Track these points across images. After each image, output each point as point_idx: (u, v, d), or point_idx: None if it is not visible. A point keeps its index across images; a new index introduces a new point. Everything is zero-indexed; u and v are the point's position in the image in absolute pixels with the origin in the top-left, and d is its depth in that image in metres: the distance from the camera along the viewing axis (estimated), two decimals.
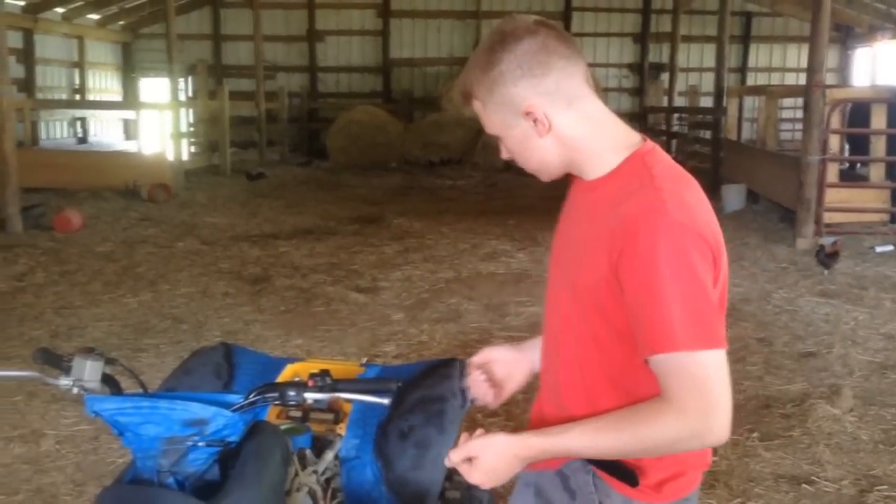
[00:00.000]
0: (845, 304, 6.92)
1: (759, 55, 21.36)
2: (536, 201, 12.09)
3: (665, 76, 19.84)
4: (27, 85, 16.38)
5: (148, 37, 20.64)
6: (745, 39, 21.06)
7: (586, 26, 20.91)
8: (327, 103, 20.71)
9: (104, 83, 20.11)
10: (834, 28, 17.39)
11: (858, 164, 12.07)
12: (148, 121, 17.40)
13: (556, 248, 1.71)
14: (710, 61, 17.30)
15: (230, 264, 8.34)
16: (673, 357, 1.41)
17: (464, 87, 1.60)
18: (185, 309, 6.73)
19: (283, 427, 2.14)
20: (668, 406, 1.43)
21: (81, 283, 7.50)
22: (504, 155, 1.66)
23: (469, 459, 1.57)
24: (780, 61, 21.36)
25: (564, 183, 1.75)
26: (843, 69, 20.92)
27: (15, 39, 16.05)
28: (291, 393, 1.77)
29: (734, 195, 11.71)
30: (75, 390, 1.80)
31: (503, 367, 1.88)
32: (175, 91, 15.24)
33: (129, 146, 17.75)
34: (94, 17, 19.04)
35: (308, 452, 2.14)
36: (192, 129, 18.19)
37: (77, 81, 18.73)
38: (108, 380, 1.84)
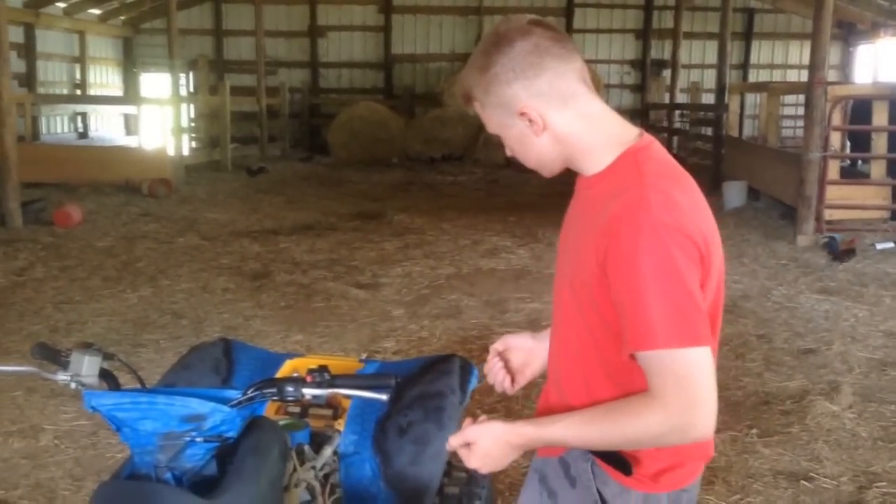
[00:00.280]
0: (845, 300, 6.92)
1: (761, 52, 21.31)
2: (537, 198, 12.09)
3: (667, 73, 19.81)
4: (28, 80, 16.36)
5: (149, 32, 20.60)
6: (747, 36, 21.01)
7: (588, 22, 20.87)
8: (329, 99, 20.69)
9: (105, 78, 20.09)
10: (836, 25, 17.36)
11: (860, 162, 12.05)
12: (149, 116, 17.39)
13: (560, 244, 1.75)
14: (711, 58, 17.27)
15: (230, 260, 8.34)
16: (655, 354, 1.45)
17: (463, 88, 1.65)
18: (185, 304, 6.73)
19: (281, 423, 2.14)
20: (652, 401, 1.47)
21: (81, 279, 7.50)
22: (507, 152, 1.71)
23: (467, 444, 1.63)
24: (782, 58, 21.32)
25: (566, 179, 1.77)
26: (845, 66, 20.89)
27: (16, 34, 16.02)
28: (289, 389, 1.77)
29: (735, 192, 11.70)
30: (73, 385, 1.80)
31: (521, 354, 1.92)
32: (176, 86, 15.23)
33: (130, 141, 17.73)
34: (96, 12, 19.01)
35: (306, 448, 2.15)
36: (192, 124, 18.18)
37: (78, 76, 18.71)
38: (105, 375, 1.84)
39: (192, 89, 20.24)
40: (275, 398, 1.78)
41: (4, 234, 9.27)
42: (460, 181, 15.29)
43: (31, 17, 16.14)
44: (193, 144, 18.14)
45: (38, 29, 16.61)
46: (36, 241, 8.99)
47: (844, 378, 5.17)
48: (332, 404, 2.42)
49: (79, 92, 18.52)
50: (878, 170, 10.14)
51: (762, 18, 21.09)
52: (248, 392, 1.75)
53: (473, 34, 20.37)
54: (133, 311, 6.52)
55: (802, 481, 3.87)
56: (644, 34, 20.90)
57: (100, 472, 3.85)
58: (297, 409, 2.37)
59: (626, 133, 1.63)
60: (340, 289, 7.18)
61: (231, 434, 1.69)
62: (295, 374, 1.82)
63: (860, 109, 10.57)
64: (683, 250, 1.46)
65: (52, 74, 17.77)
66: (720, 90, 13.92)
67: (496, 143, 1.91)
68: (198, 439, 1.65)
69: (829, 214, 9.31)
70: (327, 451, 2.23)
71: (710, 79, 17.48)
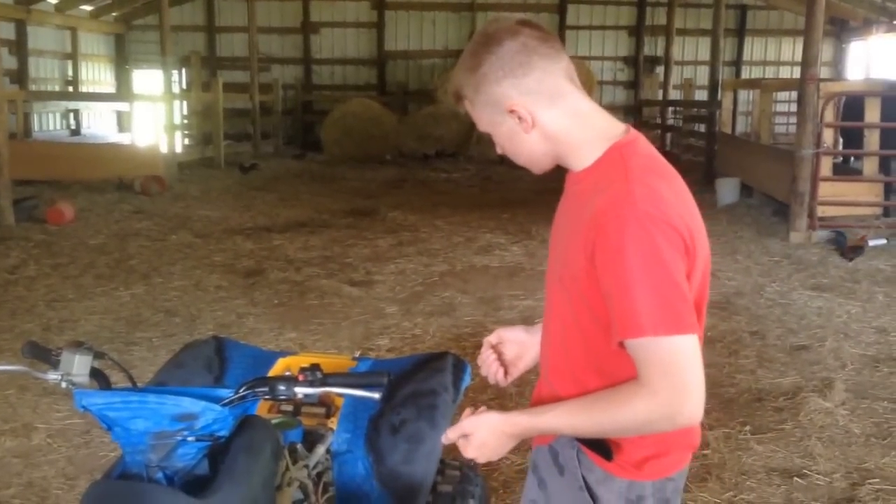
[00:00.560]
0: (838, 297, 6.94)
1: (753, 48, 21.34)
2: (531, 194, 12.09)
3: (660, 69, 19.81)
4: (20, 76, 16.27)
5: (141, 28, 20.53)
6: (740, 33, 21.03)
7: (581, 19, 20.86)
8: (322, 95, 20.64)
9: (97, 75, 20.01)
10: (828, 21, 17.36)
11: (852, 158, 12.08)
12: (141, 113, 17.31)
13: (552, 240, 1.78)
14: (704, 54, 17.29)
15: (223, 257, 8.32)
16: (642, 342, 1.48)
17: (454, 87, 1.69)
18: (178, 302, 6.71)
19: (273, 421, 2.13)
20: (641, 389, 1.50)
21: (74, 276, 7.47)
22: (498, 150, 1.74)
23: (464, 435, 1.68)
24: (774, 55, 21.36)
25: (559, 176, 1.79)
26: (837, 63, 20.92)
27: (7, 30, 15.97)
28: (281, 387, 1.76)
29: (728, 189, 11.72)
30: (63, 384, 1.79)
31: (514, 347, 1.96)
32: (169, 83, 15.16)
33: (123, 138, 17.65)
34: (87, 8, 18.92)
35: (299, 447, 2.14)
36: (185, 121, 18.11)
37: (70, 73, 18.62)
38: (96, 374, 1.83)
39: (184, 86, 20.17)
40: (266, 397, 1.77)
41: None
42: (454, 178, 15.28)
43: (23, 14, 16.06)
44: (186, 141, 18.08)
45: (30, 25, 16.52)
46: (28, 238, 8.95)
47: (837, 374, 5.18)
48: (325, 402, 2.42)
49: (71, 89, 18.44)
50: (870, 166, 10.16)
51: (755, 15, 21.11)
52: (240, 391, 1.74)
53: (466, 30, 20.34)
54: (126, 309, 6.50)
55: (796, 478, 3.88)
56: (637, 31, 20.90)
57: (93, 470, 3.84)
58: (289, 408, 2.36)
59: (612, 129, 1.66)
60: (334, 286, 7.17)
61: (223, 433, 1.68)
62: (287, 373, 1.82)
63: (853, 106, 10.58)
64: (669, 241, 1.49)
65: (44, 71, 17.68)
66: (713, 87, 13.95)
67: (489, 140, 1.96)
68: (189, 438, 1.64)
69: (821, 211, 9.33)
70: (320, 450, 2.22)
71: (703, 75, 17.50)
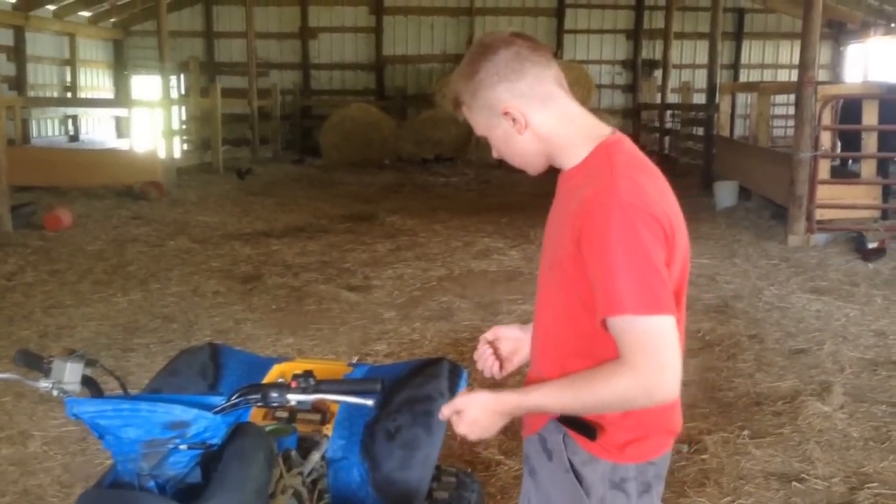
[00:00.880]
0: (836, 300, 6.93)
1: (751, 52, 21.38)
2: (529, 199, 12.08)
3: (658, 73, 19.84)
4: (18, 83, 16.30)
5: (140, 34, 20.56)
6: (738, 36, 21.06)
7: (580, 23, 20.90)
8: (320, 100, 20.66)
9: (96, 81, 20.03)
10: (826, 24, 17.43)
11: (850, 161, 12.08)
12: (140, 118, 17.33)
13: (545, 234, 1.91)
14: (702, 58, 17.33)
15: (221, 263, 8.31)
16: (622, 320, 1.60)
17: (453, 94, 1.84)
18: (176, 308, 6.70)
19: (268, 428, 2.12)
20: (621, 366, 1.61)
21: (71, 283, 7.46)
22: (495, 154, 1.89)
23: (457, 412, 1.77)
24: (772, 58, 21.38)
25: (555, 180, 1.87)
26: (835, 65, 20.95)
27: (6, 37, 16.00)
28: (274, 394, 1.76)
29: (726, 192, 11.71)
30: (55, 392, 1.78)
31: (510, 343, 2.07)
32: (167, 88, 15.19)
33: (121, 144, 17.68)
34: (86, 14, 18.96)
35: (294, 453, 2.13)
36: (184, 126, 18.12)
37: (68, 79, 18.65)
38: (88, 382, 1.82)
39: (183, 91, 20.19)
40: (259, 404, 1.76)
41: None
42: (452, 182, 15.27)
43: (21, 20, 16.09)
44: (185, 147, 18.10)
45: (28, 31, 16.55)
46: (26, 245, 8.94)
47: (836, 378, 5.17)
48: (321, 409, 2.41)
49: (69, 95, 18.46)
50: (868, 169, 10.16)
51: (752, 18, 21.15)
52: (233, 398, 1.74)
53: (465, 35, 20.38)
54: (123, 315, 6.49)
55: (794, 483, 3.86)
56: (635, 34, 20.93)
57: (88, 478, 3.82)
58: (284, 414, 2.36)
59: (599, 129, 1.80)
60: (332, 291, 7.16)
61: (215, 441, 1.67)
62: (280, 380, 1.81)
63: (850, 109, 10.59)
64: (649, 229, 1.62)
65: (43, 77, 17.71)
66: (711, 90, 13.95)
67: (487, 145, 2.04)
68: (181, 446, 1.63)
69: (819, 214, 9.33)
70: (315, 457, 2.21)
71: (701, 79, 17.50)
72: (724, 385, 5.08)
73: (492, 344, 2.07)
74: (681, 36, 19.59)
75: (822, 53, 15.17)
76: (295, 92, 20.44)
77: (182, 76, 20.29)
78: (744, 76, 20.97)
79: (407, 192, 13.94)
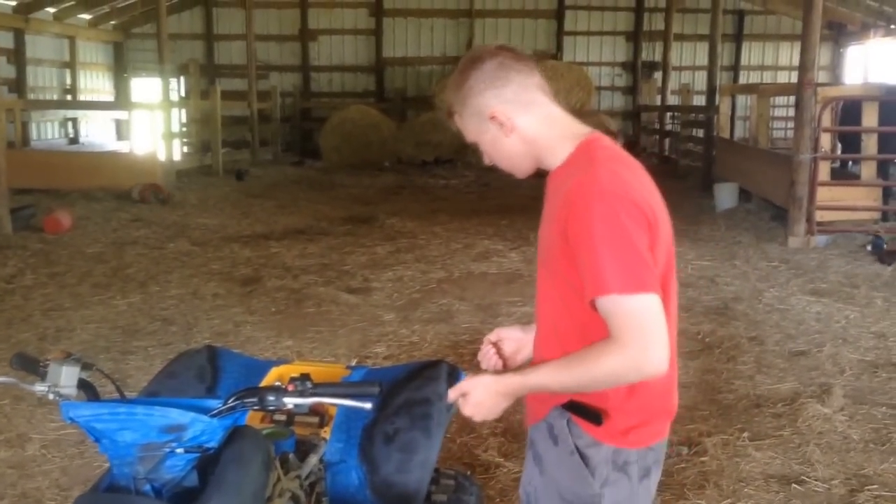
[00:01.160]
0: (836, 302, 6.92)
1: (751, 53, 21.37)
2: (529, 201, 12.04)
3: (658, 74, 19.84)
4: (18, 85, 16.29)
5: (140, 36, 20.55)
6: (738, 38, 21.05)
7: (579, 24, 20.89)
8: (320, 103, 20.65)
9: (96, 83, 20.02)
10: (826, 26, 17.42)
11: (850, 163, 12.07)
12: (140, 121, 17.31)
13: (539, 233, 1.99)
14: (702, 59, 17.31)
15: (221, 265, 8.30)
16: (608, 300, 1.70)
17: (446, 105, 1.96)
18: (175, 310, 6.69)
19: (265, 431, 2.11)
20: (611, 344, 1.71)
21: (70, 285, 7.46)
22: (486, 160, 2.00)
23: (463, 395, 1.87)
24: (772, 59, 21.37)
25: None
26: (835, 67, 20.94)
27: (6, 39, 15.99)
28: (271, 398, 1.75)
29: (726, 193, 11.71)
30: (51, 396, 1.78)
31: (512, 343, 2.17)
32: (167, 91, 15.18)
33: (121, 146, 17.67)
34: (86, 16, 18.95)
35: (291, 457, 2.12)
36: (184, 129, 18.11)
37: (68, 81, 18.64)
38: (84, 385, 1.82)
39: (183, 94, 20.19)
40: (256, 407, 1.76)
41: None
42: (452, 184, 15.27)
43: (21, 23, 16.08)
44: (184, 149, 18.09)
45: (28, 34, 16.54)
46: (25, 247, 8.94)
47: (836, 380, 5.16)
48: (319, 412, 2.40)
49: (69, 97, 18.45)
50: (868, 171, 10.16)
51: (752, 20, 21.14)
52: (229, 401, 1.73)
53: (464, 37, 20.38)
54: (122, 318, 6.49)
55: (794, 485, 3.85)
56: (635, 36, 20.93)
57: (86, 481, 3.81)
58: (282, 418, 2.35)
59: (580, 129, 1.93)
60: (331, 294, 7.15)
61: (212, 444, 1.67)
62: (277, 383, 1.80)
63: (850, 110, 10.58)
64: (630, 214, 1.72)
65: (43, 80, 17.70)
66: (711, 92, 13.95)
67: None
68: (178, 450, 1.63)
69: (820, 216, 9.32)
70: (313, 460, 2.20)
71: (700, 80, 17.50)
72: (724, 387, 5.07)
73: (495, 344, 2.15)
74: (681, 38, 19.59)
75: (822, 55, 15.14)
76: (295, 94, 20.45)
77: (182, 78, 20.29)
78: (744, 78, 20.97)
79: (407, 194, 13.94)
